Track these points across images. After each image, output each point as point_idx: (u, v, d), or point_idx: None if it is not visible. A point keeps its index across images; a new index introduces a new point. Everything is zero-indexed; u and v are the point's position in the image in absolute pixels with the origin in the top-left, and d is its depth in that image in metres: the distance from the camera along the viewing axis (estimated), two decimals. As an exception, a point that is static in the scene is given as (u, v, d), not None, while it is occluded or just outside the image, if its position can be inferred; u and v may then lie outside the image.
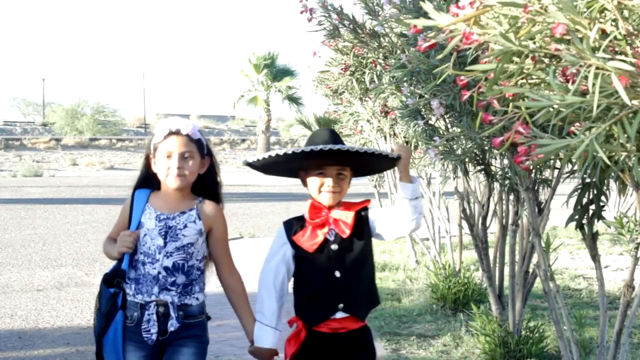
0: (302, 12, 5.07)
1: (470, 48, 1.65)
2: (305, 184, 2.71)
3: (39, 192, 20.31)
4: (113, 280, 2.74)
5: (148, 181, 2.84)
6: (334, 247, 2.63)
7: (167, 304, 2.67)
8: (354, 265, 2.63)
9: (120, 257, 2.73)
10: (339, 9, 5.14)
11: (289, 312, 2.71)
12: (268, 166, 2.69)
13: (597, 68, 1.36)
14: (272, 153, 2.59)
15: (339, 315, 2.61)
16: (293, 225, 2.69)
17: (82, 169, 33.80)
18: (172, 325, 2.67)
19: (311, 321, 2.62)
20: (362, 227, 2.66)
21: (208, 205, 2.81)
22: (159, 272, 2.69)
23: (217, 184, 2.88)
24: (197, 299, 2.75)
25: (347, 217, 2.63)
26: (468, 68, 1.64)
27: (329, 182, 2.63)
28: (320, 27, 5.24)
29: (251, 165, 2.68)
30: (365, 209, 2.70)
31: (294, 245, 2.65)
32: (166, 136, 2.74)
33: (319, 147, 2.48)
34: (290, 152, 2.56)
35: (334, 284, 2.61)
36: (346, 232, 2.62)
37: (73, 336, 5.44)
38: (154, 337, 2.66)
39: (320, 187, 2.64)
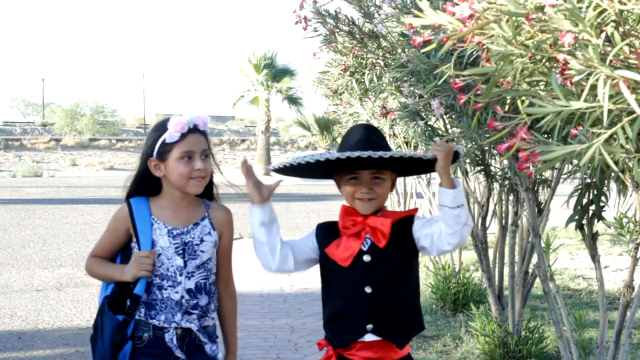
0: (296, 23, 4.78)
1: (467, 48, 1.65)
2: (340, 188, 2.38)
3: (38, 192, 20.33)
4: (119, 305, 2.41)
5: (141, 187, 2.49)
6: (367, 258, 2.27)
7: (189, 329, 2.42)
8: (389, 281, 2.27)
9: (134, 281, 2.38)
10: (334, 13, 5.05)
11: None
12: (295, 172, 2.39)
13: (606, 76, 1.35)
14: (294, 161, 2.27)
15: (368, 337, 2.24)
16: (326, 233, 2.35)
17: (82, 169, 33.84)
18: (212, 349, 2.44)
19: (336, 343, 2.28)
20: (403, 238, 2.28)
21: (218, 211, 2.51)
22: (182, 297, 2.40)
23: (212, 182, 2.56)
24: (212, 318, 2.49)
25: (384, 224, 2.26)
26: (466, 72, 1.63)
27: (362, 188, 2.28)
28: (316, 34, 5.17)
29: (275, 171, 2.39)
30: (410, 217, 2.32)
31: (324, 256, 2.33)
32: (185, 134, 2.39)
33: (335, 155, 2.14)
34: (313, 160, 2.21)
35: (363, 301, 2.25)
36: (382, 242, 2.25)
37: (73, 336, 5.44)
38: (178, 353, 2.40)
39: (353, 194, 2.30)
